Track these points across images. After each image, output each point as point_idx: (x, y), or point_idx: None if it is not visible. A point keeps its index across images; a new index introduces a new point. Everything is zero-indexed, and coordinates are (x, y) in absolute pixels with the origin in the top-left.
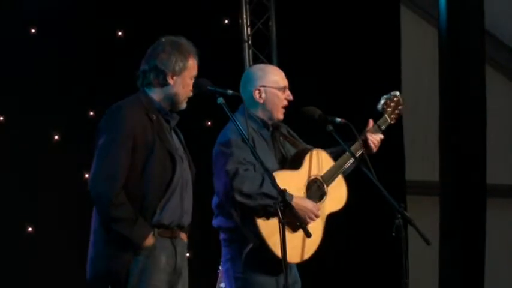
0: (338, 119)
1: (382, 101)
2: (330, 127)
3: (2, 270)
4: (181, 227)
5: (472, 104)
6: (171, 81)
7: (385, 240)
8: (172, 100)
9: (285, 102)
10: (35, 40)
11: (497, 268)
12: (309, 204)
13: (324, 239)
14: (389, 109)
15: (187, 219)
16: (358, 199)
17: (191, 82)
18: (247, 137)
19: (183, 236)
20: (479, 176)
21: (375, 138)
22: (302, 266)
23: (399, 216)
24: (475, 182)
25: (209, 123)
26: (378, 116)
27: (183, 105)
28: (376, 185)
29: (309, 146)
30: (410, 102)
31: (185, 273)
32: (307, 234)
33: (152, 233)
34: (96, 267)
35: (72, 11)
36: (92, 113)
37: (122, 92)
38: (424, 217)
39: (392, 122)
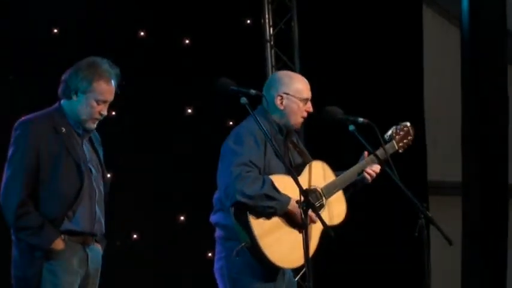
0: (361, 119)
1: (391, 131)
2: (352, 127)
3: None
4: (93, 235)
5: (494, 104)
6: (74, 97)
7: (407, 240)
8: (75, 117)
9: (305, 114)
10: (57, 40)
11: None
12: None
13: (341, 243)
14: (397, 137)
15: (99, 228)
16: (380, 199)
17: (98, 105)
18: (269, 137)
19: (97, 245)
20: (502, 176)
21: (373, 170)
22: (323, 265)
23: (422, 216)
24: (497, 182)
25: (231, 122)
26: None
27: (89, 125)
28: (398, 185)
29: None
30: (432, 102)
31: (96, 281)
32: (330, 234)
33: (61, 236)
34: (13, 273)
35: (94, 10)
36: (114, 113)
37: (143, 91)
38: (446, 217)
39: (399, 151)
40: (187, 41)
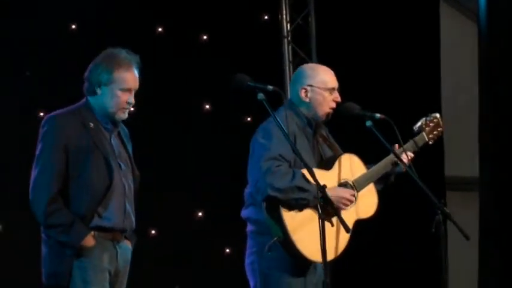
0: (378, 115)
1: (420, 122)
2: (370, 123)
3: None
4: (123, 231)
5: (511, 100)
6: (98, 91)
7: (424, 236)
8: (104, 110)
9: (332, 104)
10: (75, 36)
11: None
12: (340, 191)
13: (358, 238)
14: (427, 128)
15: (129, 224)
16: (398, 194)
17: (123, 94)
18: (286, 133)
19: (127, 242)
20: None
21: (409, 154)
22: (339, 263)
23: (439, 212)
24: None
25: (249, 118)
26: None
27: (118, 116)
28: (416, 181)
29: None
30: (450, 98)
31: (125, 278)
32: (346, 229)
33: (91, 233)
34: (44, 272)
35: (112, 7)
36: (132, 109)
37: (161, 87)
38: (464, 213)
39: (430, 142)
40: (204, 37)
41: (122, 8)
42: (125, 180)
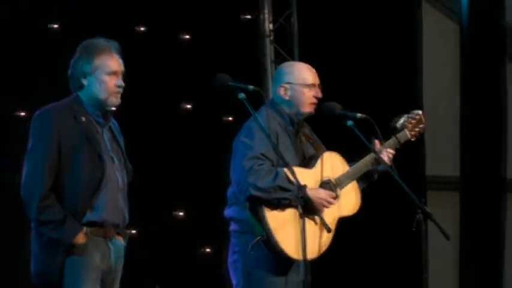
0: (359, 115)
1: (403, 119)
2: (351, 122)
3: None
4: (116, 226)
5: (492, 100)
6: (85, 82)
7: (405, 235)
8: (95, 100)
9: (313, 100)
10: (56, 36)
11: None
12: (321, 193)
13: (339, 237)
14: (410, 125)
15: (121, 218)
16: (378, 194)
17: (110, 78)
18: (268, 133)
19: (119, 238)
20: (499, 170)
21: (389, 152)
22: (319, 262)
23: (419, 211)
24: (494, 177)
25: (230, 118)
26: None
27: (112, 102)
28: (396, 180)
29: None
30: (431, 97)
31: (118, 275)
32: (327, 229)
33: (83, 230)
34: (34, 270)
35: (93, 5)
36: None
37: (142, 86)
38: (444, 212)
39: (412, 139)
40: (186, 36)
41: (104, 7)
42: (118, 174)
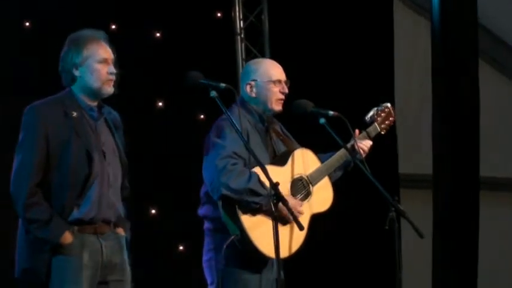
0: (331, 112)
1: (372, 112)
2: (323, 120)
3: None
4: (107, 222)
5: (464, 97)
6: (76, 73)
7: (378, 234)
8: (89, 90)
9: (280, 96)
10: (28, 33)
11: (492, 260)
12: (290, 201)
13: (312, 236)
14: (379, 118)
15: (113, 214)
16: (351, 192)
17: (102, 66)
18: (240, 130)
19: (119, 230)
20: (473, 168)
21: (364, 144)
22: (293, 260)
23: (393, 209)
24: (468, 175)
25: (202, 116)
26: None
27: (106, 90)
28: (369, 178)
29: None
30: (403, 95)
31: (123, 265)
32: (300, 227)
33: (70, 230)
34: (19, 266)
35: (65, 3)
36: None
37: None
38: (417, 210)
39: (382, 132)
40: (158, 34)
41: (75, 5)
42: (110, 169)
